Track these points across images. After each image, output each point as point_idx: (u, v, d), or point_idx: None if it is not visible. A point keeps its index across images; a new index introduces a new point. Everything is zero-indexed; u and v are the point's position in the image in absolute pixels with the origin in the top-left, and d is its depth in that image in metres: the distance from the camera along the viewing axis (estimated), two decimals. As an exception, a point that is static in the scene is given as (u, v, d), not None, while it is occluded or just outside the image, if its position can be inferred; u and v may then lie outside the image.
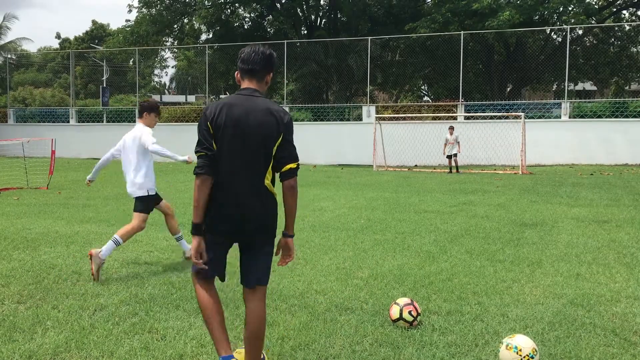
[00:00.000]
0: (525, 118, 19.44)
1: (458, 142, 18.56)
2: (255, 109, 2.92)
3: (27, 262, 5.88)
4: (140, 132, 5.68)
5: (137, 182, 5.62)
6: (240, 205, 2.92)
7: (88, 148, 26.15)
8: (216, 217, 2.95)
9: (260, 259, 3.03)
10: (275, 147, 2.91)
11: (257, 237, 2.99)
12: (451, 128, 18.71)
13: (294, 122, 3.07)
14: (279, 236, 3.10)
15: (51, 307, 4.45)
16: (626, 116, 21.33)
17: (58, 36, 63.53)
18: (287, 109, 23.34)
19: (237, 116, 2.90)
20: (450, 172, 18.45)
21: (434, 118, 23.27)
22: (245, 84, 3.03)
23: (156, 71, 60.97)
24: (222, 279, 3.20)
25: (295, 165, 2.94)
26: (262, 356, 3.18)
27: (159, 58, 50.57)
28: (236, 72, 3.08)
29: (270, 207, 2.99)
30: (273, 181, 3.01)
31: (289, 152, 2.93)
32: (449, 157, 18.55)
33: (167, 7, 31.26)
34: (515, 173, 17.77)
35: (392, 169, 20.49)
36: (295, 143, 3.03)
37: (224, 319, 3.11)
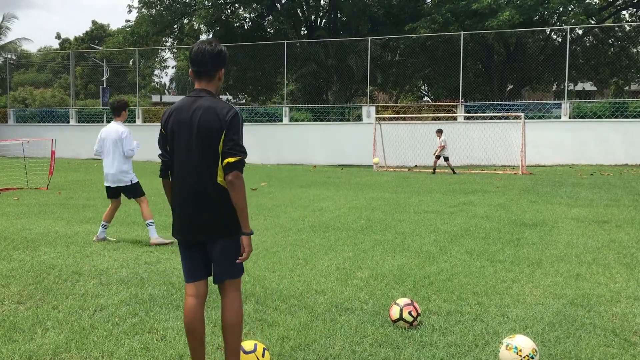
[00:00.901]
0: (525, 118, 19.43)
1: (443, 146, 18.37)
2: (199, 109, 2.96)
3: (27, 262, 5.89)
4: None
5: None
6: (190, 207, 2.98)
7: (88, 148, 25.87)
8: (175, 221, 3.08)
9: (219, 256, 3.02)
10: (220, 145, 2.93)
11: (211, 236, 3.00)
12: (439, 131, 18.45)
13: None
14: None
15: (51, 307, 4.45)
16: (626, 116, 21.33)
17: (58, 36, 63.56)
18: (287, 110, 23.64)
19: (183, 119, 2.99)
20: (434, 173, 18.31)
21: (434, 118, 23.26)
22: (196, 85, 3.09)
23: (156, 71, 60.96)
24: (207, 277, 3.16)
25: (233, 160, 2.90)
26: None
27: (159, 58, 50.56)
28: (190, 71, 3.12)
29: (224, 205, 2.97)
30: None
31: (230, 147, 2.92)
32: (438, 157, 18.42)
33: (167, 8, 31.24)
34: (515, 173, 17.77)
35: (392, 169, 20.50)
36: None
37: (202, 337, 3.11)
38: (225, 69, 3.16)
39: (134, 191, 7.14)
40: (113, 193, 7.18)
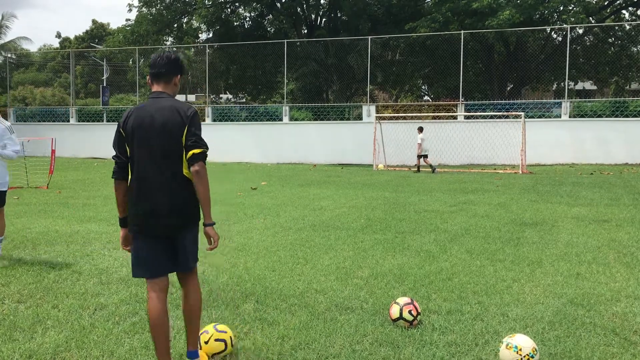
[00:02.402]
0: (526, 117, 19.43)
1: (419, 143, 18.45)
2: (161, 109, 3.12)
3: (27, 261, 5.88)
4: None
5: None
6: (155, 201, 3.10)
7: (88, 147, 26.15)
8: (135, 217, 3.16)
9: (185, 246, 3.20)
10: (183, 139, 3.09)
11: (177, 226, 3.15)
12: (419, 129, 18.57)
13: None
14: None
15: (51, 306, 4.45)
16: (626, 116, 21.32)
17: (58, 35, 63.63)
18: (287, 109, 23.63)
19: (145, 118, 3.12)
20: (418, 171, 18.36)
21: (434, 117, 23.26)
22: (154, 88, 3.25)
23: (156, 70, 60.83)
24: (171, 271, 3.30)
25: (198, 151, 3.08)
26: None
27: (158, 57, 50.47)
28: (147, 77, 3.30)
29: (189, 196, 3.15)
30: None
31: (193, 140, 3.10)
32: (425, 156, 18.45)
33: (167, 7, 31.24)
34: (515, 172, 17.76)
35: (392, 168, 20.49)
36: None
37: (168, 331, 3.22)
38: (182, 77, 3.35)
39: None
40: None
